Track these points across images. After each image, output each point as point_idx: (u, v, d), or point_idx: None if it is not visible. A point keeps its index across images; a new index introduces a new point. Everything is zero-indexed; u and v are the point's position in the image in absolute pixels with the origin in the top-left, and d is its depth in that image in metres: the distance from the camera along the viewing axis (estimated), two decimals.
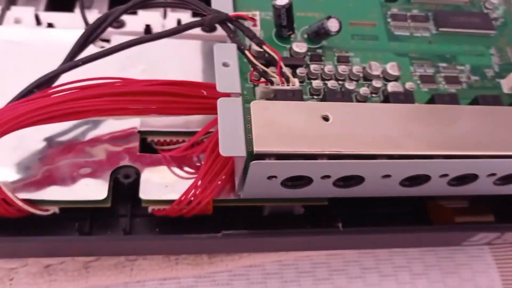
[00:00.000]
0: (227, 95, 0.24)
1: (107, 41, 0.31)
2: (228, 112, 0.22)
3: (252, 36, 0.26)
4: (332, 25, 0.27)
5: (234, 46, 0.25)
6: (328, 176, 0.23)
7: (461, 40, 0.30)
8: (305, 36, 0.28)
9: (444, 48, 0.30)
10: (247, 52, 0.25)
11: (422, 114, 0.24)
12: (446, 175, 0.24)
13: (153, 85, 0.25)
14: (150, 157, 0.27)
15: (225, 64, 0.24)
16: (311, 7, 0.30)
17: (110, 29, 0.31)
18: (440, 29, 0.30)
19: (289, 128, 0.22)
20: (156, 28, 0.32)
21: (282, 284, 0.27)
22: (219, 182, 0.25)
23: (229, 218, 0.28)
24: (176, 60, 0.30)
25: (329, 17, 0.27)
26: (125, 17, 0.32)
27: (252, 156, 0.22)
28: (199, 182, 0.25)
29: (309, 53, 0.28)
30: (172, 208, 0.25)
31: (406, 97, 0.26)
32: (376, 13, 0.30)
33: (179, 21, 0.33)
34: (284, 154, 0.22)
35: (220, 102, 0.23)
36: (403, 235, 0.28)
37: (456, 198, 0.29)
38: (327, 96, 0.25)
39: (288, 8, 0.27)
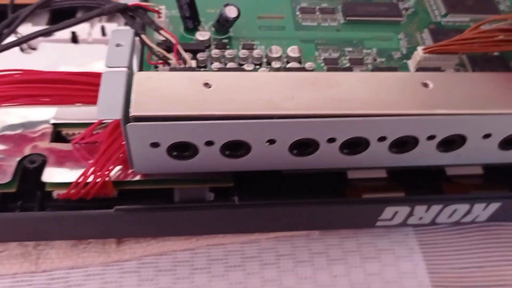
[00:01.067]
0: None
1: (34, 49, 0.33)
2: (111, 82, 0.23)
3: (150, 23, 0.27)
4: (230, 11, 0.28)
5: (130, 30, 0.26)
6: (212, 143, 0.23)
7: (369, 27, 0.31)
8: (212, 28, 0.29)
9: (351, 35, 0.30)
10: (143, 36, 0.26)
11: (307, 80, 0.24)
12: (333, 139, 0.24)
13: (55, 73, 0.27)
14: (58, 145, 0.28)
15: (118, 45, 0.25)
16: (221, 4, 0.31)
17: (39, 38, 0.33)
18: (348, 18, 0.31)
19: (170, 94, 0.23)
20: (82, 36, 0.34)
21: (191, 271, 0.27)
22: (115, 161, 0.25)
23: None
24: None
25: (226, 5, 0.28)
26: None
27: (130, 120, 0.22)
28: (96, 164, 0.25)
29: (214, 42, 0.29)
30: (71, 190, 0.26)
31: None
32: (285, 8, 0.31)
33: (103, 28, 0.35)
34: (162, 117, 0.22)
35: (104, 73, 0.24)
36: (305, 208, 0.27)
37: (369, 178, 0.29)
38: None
39: (189, 0, 0.28)
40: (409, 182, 0.29)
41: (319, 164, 0.25)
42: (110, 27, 0.35)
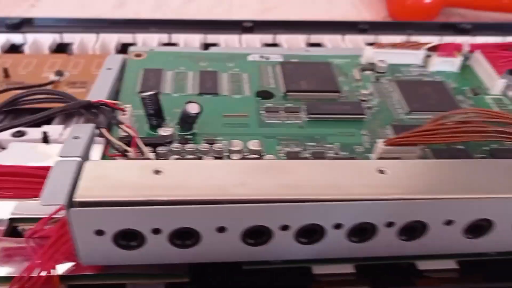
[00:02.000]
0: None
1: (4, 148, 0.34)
2: (60, 170, 0.23)
3: (111, 118, 0.28)
4: (192, 107, 0.29)
5: (90, 125, 0.27)
6: (159, 230, 0.22)
7: (332, 124, 0.31)
8: (178, 126, 0.30)
9: (314, 131, 0.31)
10: (102, 130, 0.27)
11: (262, 167, 0.24)
12: (287, 226, 0.23)
13: (13, 166, 0.27)
14: (11, 240, 0.27)
15: (75, 137, 0.26)
16: None
17: (10, 138, 0.34)
18: (311, 116, 0.32)
19: (118, 181, 0.23)
20: (54, 136, 0.35)
21: None
22: (63, 255, 0.24)
23: None
24: None
25: (188, 101, 0.29)
26: (26, 129, 0.35)
27: (73, 205, 0.22)
28: (41, 257, 0.24)
29: (177, 138, 0.29)
30: (13, 286, 0.24)
31: None
32: (250, 107, 0.32)
33: None
34: (107, 202, 0.22)
35: (56, 163, 0.23)
36: None
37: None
38: None
39: (153, 98, 0.29)
40: (377, 277, 0.27)
41: (275, 255, 0.24)
42: None
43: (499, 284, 0.27)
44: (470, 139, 0.28)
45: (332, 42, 0.53)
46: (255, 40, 0.53)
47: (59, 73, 0.39)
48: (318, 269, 0.27)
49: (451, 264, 0.27)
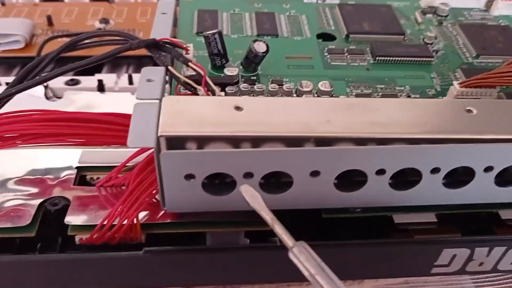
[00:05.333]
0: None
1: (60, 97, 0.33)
2: (142, 112, 0.22)
3: (179, 56, 0.26)
4: (259, 46, 0.27)
5: (161, 68, 0.25)
6: (251, 175, 0.22)
7: (399, 67, 0.30)
8: (241, 66, 0.29)
9: (382, 73, 0.30)
10: (170, 68, 0.26)
11: (343, 105, 0.23)
12: (382, 170, 0.22)
13: (80, 113, 0.26)
14: (82, 189, 0.26)
15: (149, 80, 0.24)
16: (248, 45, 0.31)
17: (64, 86, 0.33)
18: (378, 58, 0.30)
19: (200, 116, 0.22)
20: (109, 84, 0.33)
21: None
22: (143, 203, 0.24)
23: None
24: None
25: (255, 40, 0.28)
26: (80, 77, 0.34)
27: (159, 140, 0.21)
28: (122, 205, 0.24)
29: (243, 79, 0.28)
30: (95, 234, 0.24)
31: None
32: (313, 49, 0.31)
33: (130, 77, 0.34)
34: (192, 137, 0.21)
35: (136, 105, 0.22)
36: (353, 250, 0.25)
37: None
38: None
39: (218, 36, 0.28)
40: (461, 226, 0.26)
41: (367, 200, 0.23)
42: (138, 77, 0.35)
43: None
44: None
45: None
46: None
47: (105, 21, 0.37)
48: (399, 218, 0.26)
49: None
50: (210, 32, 0.28)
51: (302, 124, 0.22)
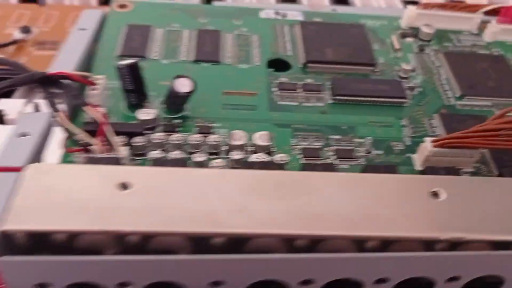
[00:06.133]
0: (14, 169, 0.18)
1: None
2: None
3: (75, 96, 0.21)
4: (181, 84, 0.22)
5: (43, 116, 0.20)
6: (126, 285, 0.16)
7: (363, 110, 0.24)
8: (164, 106, 0.23)
9: (340, 119, 0.24)
10: (59, 115, 0.20)
11: (267, 184, 0.17)
12: (309, 281, 0.17)
13: None
14: None
15: (22, 134, 0.19)
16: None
17: None
18: (337, 97, 0.24)
19: (67, 199, 0.16)
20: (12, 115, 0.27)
21: None
22: None
23: None
24: None
25: (178, 76, 0.22)
26: None
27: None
28: None
29: (163, 123, 0.22)
30: None
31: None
32: (259, 82, 0.25)
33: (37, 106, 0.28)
34: (47, 232, 0.15)
35: None
36: None
37: None
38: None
39: (130, 70, 0.22)
40: None
41: None
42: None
43: None
44: None
45: None
46: None
47: (25, 30, 0.31)
48: None
49: None
50: (123, 63, 0.22)
51: (206, 214, 0.16)
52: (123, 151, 0.20)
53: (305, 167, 0.20)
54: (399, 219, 0.17)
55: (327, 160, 0.22)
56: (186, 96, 0.22)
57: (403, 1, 0.37)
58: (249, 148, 0.21)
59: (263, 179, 0.17)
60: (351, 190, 0.17)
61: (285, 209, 0.17)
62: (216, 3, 0.31)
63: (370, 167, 0.20)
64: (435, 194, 0.18)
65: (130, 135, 0.21)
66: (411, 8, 0.30)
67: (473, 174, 0.22)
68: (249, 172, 0.18)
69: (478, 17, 0.30)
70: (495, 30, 0.30)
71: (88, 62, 0.25)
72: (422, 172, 0.21)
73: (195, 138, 0.21)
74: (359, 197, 0.17)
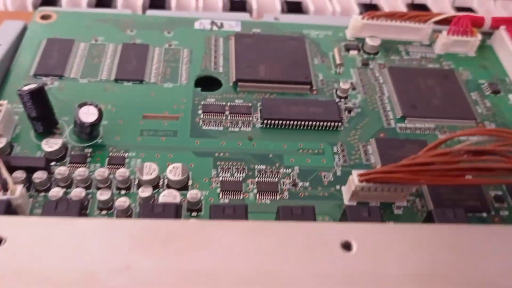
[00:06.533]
0: None
1: None
2: None
3: None
4: (86, 114, 0.20)
5: None
6: None
7: (294, 135, 0.23)
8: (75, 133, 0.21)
9: (268, 146, 0.22)
10: None
11: (159, 233, 0.16)
12: None
13: None
14: None
15: None
16: (100, 97, 0.23)
17: None
18: (266, 120, 0.23)
19: None
20: None
21: None
22: None
23: None
24: None
25: (82, 104, 0.20)
26: None
27: None
28: None
29: (72, 153, 0.20)
30: None
31: (176, 212, 0.18)
32: (184, 103, 0.23)
33: None
34: None
35: None
36: None
37: None
38: (45, 210, 0.17)
39: (36, 95, 0.20)
40: None
41: None
42: None
43: None
44: (490, 182, 0.20)
45: (315, 3, 0.35)
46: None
47: None
48: None
49: None
50: (24, 89, 0.20)
51: (84, 274, 0.14)
52: (16, 191, 0.18)
53: (212, 210, 0.18)
54: (302, 277, 0.15)
55: (246, 195, 0.20)
56: (92, 127, 0.20)
57: (359, 4, 0.35)
58: (162, 181, 0.20)
59: (156, 230, 0.16)
60: (253, 242, 0.16)
61: (173, 268, 0.15)
62: (149, 12, 0.29)
63: (284, 209, 0.18)
64: (347, 246, 0.16)
65: (31, 170, 0.19)
66: (357, 18, 0.28)
67: (406, 209, 0.20)
68: (140, 222, 0.16)
69: (428, 27, 0.28)
70: (446, 42, 0.28)
71: (2, 81, 0.23)
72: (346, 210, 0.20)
73: (102, 172, 0.19)
74: (261, 250, 0.16)
